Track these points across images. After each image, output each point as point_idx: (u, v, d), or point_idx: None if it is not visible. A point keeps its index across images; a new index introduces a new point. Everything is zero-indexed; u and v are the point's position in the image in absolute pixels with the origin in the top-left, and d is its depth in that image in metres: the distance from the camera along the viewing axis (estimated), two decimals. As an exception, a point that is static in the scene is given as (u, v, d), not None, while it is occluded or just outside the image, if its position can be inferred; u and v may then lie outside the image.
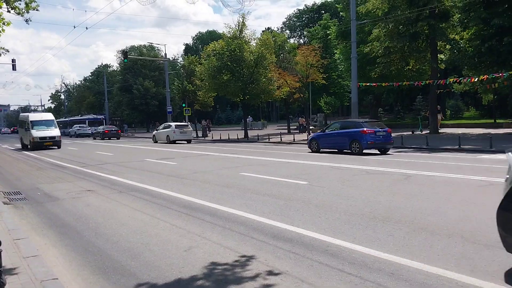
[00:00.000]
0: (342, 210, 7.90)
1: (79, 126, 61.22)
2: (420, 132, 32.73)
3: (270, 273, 4.90)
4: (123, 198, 10.23)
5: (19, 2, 15.82)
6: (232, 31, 37.52)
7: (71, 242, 6.72)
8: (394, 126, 41.74)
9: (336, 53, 44.06)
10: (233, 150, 24.51)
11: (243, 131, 40.25)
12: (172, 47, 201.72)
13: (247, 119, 45.45)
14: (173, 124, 36.21)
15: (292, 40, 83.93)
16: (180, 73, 61.10)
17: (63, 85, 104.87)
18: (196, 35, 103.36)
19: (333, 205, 8.35)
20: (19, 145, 36.18)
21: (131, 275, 5.11)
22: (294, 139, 30.56)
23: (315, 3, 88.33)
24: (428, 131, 31.04)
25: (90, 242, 6.63)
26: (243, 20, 37.43)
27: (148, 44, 75.03)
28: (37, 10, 17.40)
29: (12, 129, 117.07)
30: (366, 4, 31.97)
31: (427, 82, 29.45)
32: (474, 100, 52.40)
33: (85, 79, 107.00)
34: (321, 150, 20.93)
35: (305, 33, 77.20)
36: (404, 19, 29.30)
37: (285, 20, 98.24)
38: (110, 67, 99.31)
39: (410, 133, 32.09)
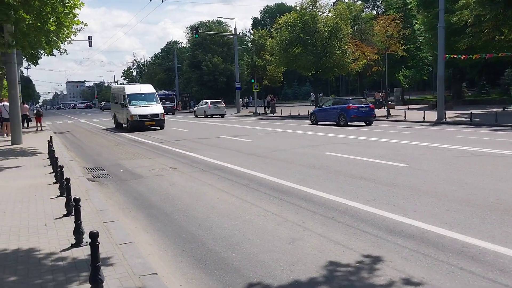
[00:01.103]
0: (461, 200, 6.78)
1: (104, 102, 66.48)
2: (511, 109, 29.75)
3: (407, 282, 4.01)
4: (207, 177, 9.73)
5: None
6: (306, 1, 35.97)
7: (162, 226, 6.24)
8: (479, 102, 38.54)
9: (416, 23, 41.03)
10: (306, 127, 23.53)
11: (313, 107, 39.00)
12: (238, 22, 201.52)
13: (318, 94, 43.93)
14: (208, 101, 41.48)
15: (365, 11, 80.00)
16: (248, 48, 60.52)
17: (134, 61, 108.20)
18: (264, 9, 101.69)
19: (448, 193, 7.23)
20: (107, 122, 37.35)
21: (235, 271, 4.46)
22: (371, 116, 28.88)
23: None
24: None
25: (182, 227, 6.11)
26: (317, -10, 35.73)
27: (217, 19, 74.94)
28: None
29: (85, 104, 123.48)
30: (454, -32, 29.08)
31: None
32: None
33: (155, 55, 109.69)
34: (318, 122, 24.93)
35: (379, 3, 73.21)
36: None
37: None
38: (179, 43, 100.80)
39: (501, 109, 29.23)
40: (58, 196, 7.81)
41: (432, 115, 25.45)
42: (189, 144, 16.69)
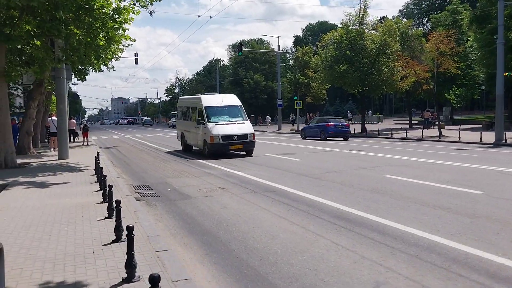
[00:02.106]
0: None
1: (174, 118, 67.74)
2: None
3: None
4: (260, 200, 9.02)
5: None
6: (353, 18, 35.17)
7: (220, 258, 5.55)
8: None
9: (468, 40, 39.30)
10: (356, 146, 22.50)
11: (360, 125, 37.81)
12: (276, 41, 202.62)
13: (368, 112, 42.65)
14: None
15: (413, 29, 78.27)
16: (290, 65, 60.12)
17: (177, 79, 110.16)
18: (306, 27, 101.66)
19: (549, 230, 6.18)
20: (152, 138, 37.38)
21: (315, 325, 3.68)
22: (422, 135, 27.53)
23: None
24: None
25: (242, 261, 5.39)
26: (364, 6, 34.91)
27: (259, 37, 75.30)
28: (159, 0, 17.24)
29: (128, 120, 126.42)
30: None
31: None
32: None
33: (197, 73, 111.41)
34: (307, 137, 29.96)
35: (424, 21, 71.33)
36: None
37: (402, 8, 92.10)
38: (221, 61, 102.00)
39: None
40: (105, 218, 7.31)
41: (488, 136, 23.85)
42: (235, 162, 16.09)
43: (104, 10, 14.06)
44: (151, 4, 23.25)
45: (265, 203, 8.70)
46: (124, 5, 14.79)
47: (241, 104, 20.07)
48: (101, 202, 8.61)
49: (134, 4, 15.45)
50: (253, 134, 18.45)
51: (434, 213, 7.38)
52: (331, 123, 28.07)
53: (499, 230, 6.22)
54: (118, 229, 5.99)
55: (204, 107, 18.82)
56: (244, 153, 18.51)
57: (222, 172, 13.50)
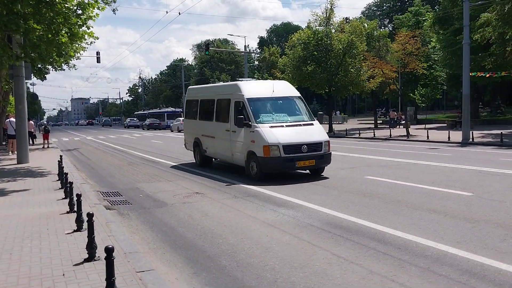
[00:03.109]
0: None
1: (129, 119, 72.77)
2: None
3: None
4: (243, 206, 8.42)
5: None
6: (319, 18, 35.07)
7: (211, 278, 4.90)
8: (497, 122, 37.22)
9: (432, 41, 40.06)
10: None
11: (327, 125, 37.79)
12: (241, 42, 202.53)
13: (335, 113, 42.72)
14: (181, 119, 42.74)
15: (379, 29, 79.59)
16: (256, 66, 59.74)
17: (139, 79, 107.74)
18: (270, 28, 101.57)
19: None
20: (116, 139, 35.74)
21: None
22: (390, 135, 27.66)
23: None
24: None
25: (236, 280, 4.78)
26: (331, 6, 34.85)
27: (225, 37, 74.51)
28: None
29: (87, 121, 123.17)
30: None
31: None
32: None
33: (161, 73, 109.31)
34: None
35: (386, 22, 72.70)
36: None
37: (364, 9, 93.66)
38: (185, 61, 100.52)
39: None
40: (74, 231, 6.52)
41: (455, 135, 24.14)
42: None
43: (66, 5, 13.11)
44: (114, 1, 22.33)
45: (250, 210, 8.10)
46: (88, 0, 13.87)
47: (300, 95, 13.36)
48: (68, 212, 7.78)
49: (97, 1, 14.55)
50: (328, 142, 12.12)
51: (431, 217, 7.00)
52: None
53: (504, 236, 5.89)
54: (91, 246, 5.26)
55: (247, 99, 12.11)
56: (316, 170, 12.02)
57: (197, 174, 12.79)
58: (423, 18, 41.92)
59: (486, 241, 5.71)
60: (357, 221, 6.92)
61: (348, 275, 4.76)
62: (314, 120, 12.73)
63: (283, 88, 13.33)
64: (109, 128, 72.78)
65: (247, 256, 5.52)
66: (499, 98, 50.37)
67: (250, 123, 11.67)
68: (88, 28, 14.40)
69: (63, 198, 9.11)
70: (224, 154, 13.43)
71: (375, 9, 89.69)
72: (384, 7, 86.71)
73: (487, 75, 26.75)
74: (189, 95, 17.14)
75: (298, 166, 11.36)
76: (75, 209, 6.96)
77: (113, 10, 23.19)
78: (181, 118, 42.90)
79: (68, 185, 8.46)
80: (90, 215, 5.35)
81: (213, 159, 14.99)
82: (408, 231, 6.23)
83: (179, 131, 42.94)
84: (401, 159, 15.26)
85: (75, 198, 7.04)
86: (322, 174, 12.02)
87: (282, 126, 11.73)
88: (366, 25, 39.60)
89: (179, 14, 35.51)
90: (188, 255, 5.71)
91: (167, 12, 41.74)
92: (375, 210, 7.63)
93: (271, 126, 11.54)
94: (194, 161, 15.53)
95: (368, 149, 19.79)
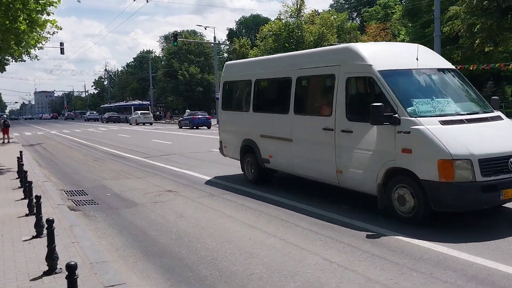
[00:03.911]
0: None
1: (89, 112, 75.51)
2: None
3: None
4: (222, 205, 7.85)
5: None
6: (290, 9, 34.70)
7: (191, 291, 4.34)
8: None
9: (400, 33, 40.38)
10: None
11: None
12: (209, 34, 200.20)
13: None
14: (139, 112, 48.83)
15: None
16: (225, 58, 58.86)
17: (105, 71, 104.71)
18: (239, 20, 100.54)
19: None
20: (80, 133, 34.27)
21: None
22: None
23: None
24: None
25: (221, 293, 4.23)
26: (302, -3, 34.52)
27: (193, 29, 73.13)
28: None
29: (51, 115, 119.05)
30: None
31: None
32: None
33: (127, 65, 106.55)
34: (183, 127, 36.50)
35: (353, 15, 73.13)
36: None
37: (332, 2, 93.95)
38: (152, 53, 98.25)
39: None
40: (33, 237, 5.83)
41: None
42: (180, 159, 14.69)
43: (24, -11, 12.10)
44: (79, -11, 21.11)
45: (229, 209, 7.54)
46: (48, -15, 12.89)
47: (455, 68, 8.08)
48: (27, 215, 7.05)
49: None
50: None
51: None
52: (196, 116, 36.37)
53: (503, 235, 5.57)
54: (51, 257, 4.61)
55: (381, 72, 6.79)
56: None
57: (168, 172, 12.11)
58: (392, 11, 42.21)
59: (485, 240, 5.36)
60: (341, 218, 6.47)
61: (345, 284, 4.29)
62: (492, 109, 7.22)
63: (430, 56, 7.96)
64: (74, 122, 70.99)
65: (230, 263, 4.97)
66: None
67: (397, 116, 6.29)
68: (49, 15, 13.48)
69: (22, 199, 8.34)
70: (316, 169, 7.97)
71: (343, 2, 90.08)
72: (352, 1, 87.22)
73: (457, 68, 26.92)
74: (231, 74, 11.16)
75: (503, 199, 5.96)
76: (35, 211, 6.24)
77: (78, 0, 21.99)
78: (139, 112, 48.04)
79: (28, 184, 7.69)
80: (50, 222, 4.69)
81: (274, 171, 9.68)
82: (397, 230, 5.81)
83: (137, 124, 46.12)
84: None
85: (34, 200, 6.31)
86: None
87: (462, 121, 6.37)
88: (337, 17, 39.52)
89: (147, 1, 33.98)
90: (163, 264, 5.12)
91: (134, 0, 39.73)
92: (356, 204, 7.21)
93: (443, 122, 6.23)
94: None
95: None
